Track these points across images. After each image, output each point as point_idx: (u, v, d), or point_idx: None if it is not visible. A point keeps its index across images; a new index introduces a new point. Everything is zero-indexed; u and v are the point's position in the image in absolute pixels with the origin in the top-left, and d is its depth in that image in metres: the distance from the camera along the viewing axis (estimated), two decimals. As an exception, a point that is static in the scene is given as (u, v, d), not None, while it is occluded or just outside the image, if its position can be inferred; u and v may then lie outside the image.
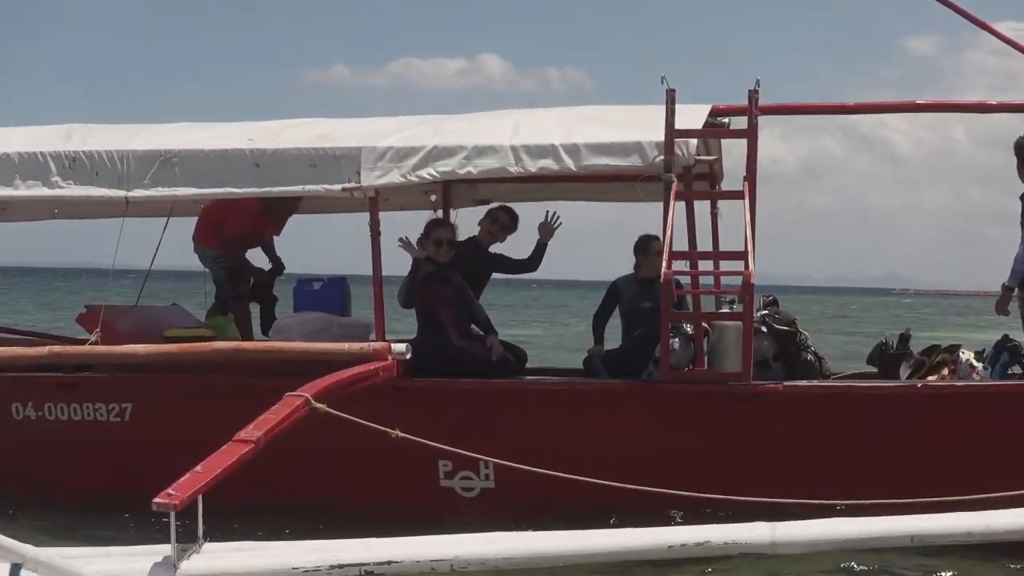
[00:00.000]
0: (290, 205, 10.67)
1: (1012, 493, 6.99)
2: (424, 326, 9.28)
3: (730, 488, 7.33)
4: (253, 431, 6.45)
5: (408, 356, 8.57)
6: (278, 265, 11.21)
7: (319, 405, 7.05)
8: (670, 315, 8.42)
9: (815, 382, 8.93)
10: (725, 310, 9.47)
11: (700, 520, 6.40)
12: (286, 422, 6.77)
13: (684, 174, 8.81)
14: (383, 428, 7.11)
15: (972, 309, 72.10)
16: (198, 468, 5.98)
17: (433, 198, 10.86)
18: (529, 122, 9.14)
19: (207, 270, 10.96)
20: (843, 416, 8.33)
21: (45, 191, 9.51)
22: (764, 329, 9.12)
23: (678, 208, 8.49)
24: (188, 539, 5.76)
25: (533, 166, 8.73)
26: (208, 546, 5.83)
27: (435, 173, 8.90)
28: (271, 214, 10.72)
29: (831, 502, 6.91)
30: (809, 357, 9.30)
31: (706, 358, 8.82)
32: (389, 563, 5.66)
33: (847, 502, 6.87)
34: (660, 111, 8.39)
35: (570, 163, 8.66)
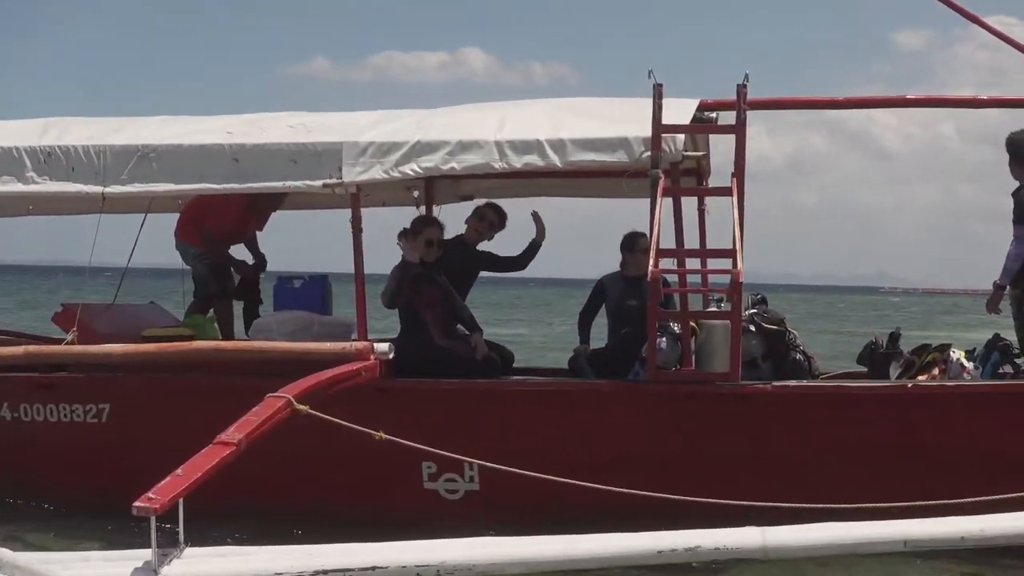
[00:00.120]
0: (274, 201, 10.63)
1: (1006, 496, 7.02)
2: (407, 326, 9.26)
3: (719, 491, 7.33)
4: (234, 433, 6.45)
5: (391, 356, 8.57)
6: (261, 261, 11.18)
7: (301, 407, 7.04)
8: (657, 314, 8.40)
9: (804, 382, 8.92)
10: (713, 309, 9.45)
11: (689, 524, 6.40)
12: (268, 424, 6.76)
13: (671, 170, 8.80)
14: (366, 430, 7.10)
15: (961, 308, 72.36)
16: (178, 471, 5.97)
17: (416, 194, 10.85)
18: (514, 116, 9.09)
19: (186, 268, 10.93)
20: (833, 416, 8.33)
21: (20, 187, 9.47)
22: (752, 328, 9.12)
23: (665, 205, 8.48)
24: (169, 544, 5.75)
25: (518, 162, 8.71)
26: (189, 551, 5.82)
27: (418, 169, 8.86)
28: (254, 210, 10.69)
29: (822, 505, 6.93)
30: (798, 356, 9.30)
31: (693, 358, 8.81)
32: (374, 568, 5.66)
33: (838, 506, 6.88)
34: (647, 105, 8.36)
35: (555, 159, 8.64)
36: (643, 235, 9.18)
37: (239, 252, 11.08)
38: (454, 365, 8.99)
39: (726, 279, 8.35)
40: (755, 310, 9.38)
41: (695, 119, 8.73)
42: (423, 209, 10.83)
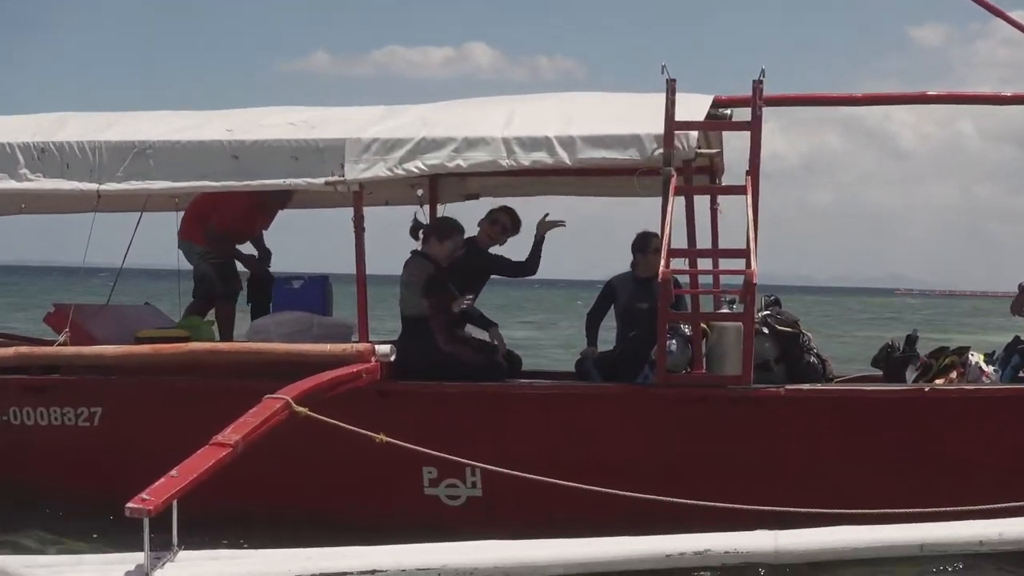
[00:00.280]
0: (282, 199, 10.58)
1: (1024, 503, 7.02)
2: (411, 329, 9.23)
3: (730, 496, 7.33)
4: (231, 435, 6.46)
5: (392, 358, 8.57)
6: (267, 255, 11.12)
7: (300, 408, 7.05)
8: (668, 315, 8.39)
9: (818, 386, 8.91)
10: (725, 310, 9.45)
11: (699, 529, 6.40)
12: (265, 425, 6.77)
13: (684, 168, 8.78)
14: (367, 432, 7.10)
15: (980, 310, 72.26)
16: (173, 472, 5.98)
17: (420, 192, 10.83)
18: (523, 111, 9.07)
19: (184, 268, 10.90)
20: (847, 421, 8.32)
21: (12, 184, 9.46)
22: (765, 330, 9.09)
23: (677, 204, 8.47)
24: (162, 547, 5.76)
25: (526, 159, 8.69)
26: (183, 554, 5.84)
27: (423, 167, 8.85)
28: (261, 208, 10.67)
29: (835, 511, 6.92)
30: (812, 360, 9.27)
31: (704, 360, 8.78)
32: (373, 572, 5.66)
33: (852, 511, 6.88)
34: (660, 101, 8.34)
35: (565, 156, 8.62)
36: (655, 235, 9.13)
37: (244, 250, 11.05)
38: (459, 371, 8.97)
39: (738, 280, 8.34)
40: (768, 312, 9.35)
41: (709, 116, 8.71)
42: (427, 208, 10.82)
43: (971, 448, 8.13)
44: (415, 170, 8.87)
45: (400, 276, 9.32)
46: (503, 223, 10.24)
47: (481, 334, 9.63)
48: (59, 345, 9.47)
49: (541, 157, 8.67)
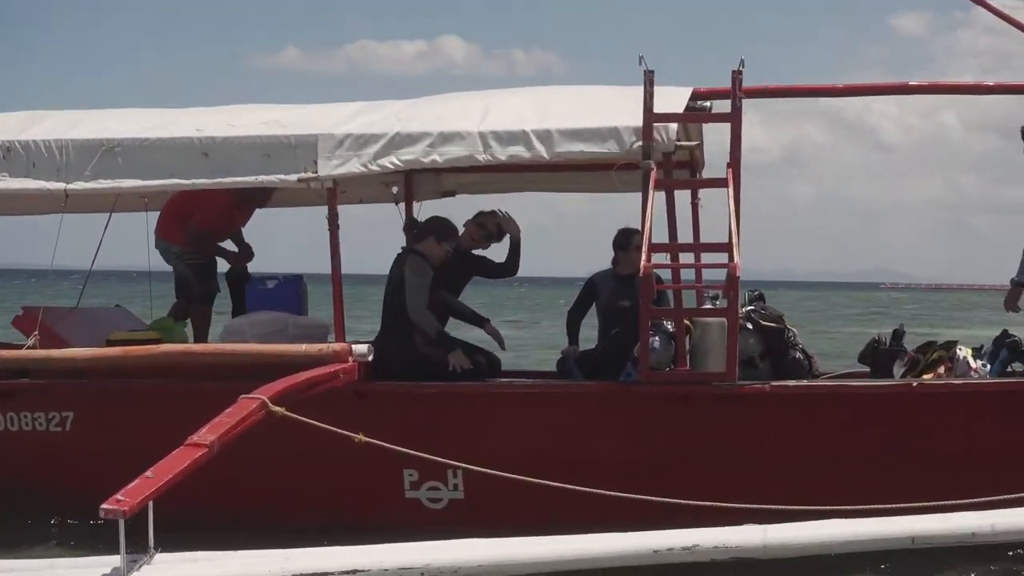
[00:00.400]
0: (262, 196, 10.57)
1: (1014, 496, 7.06)
2: (392, 328, 9.24)
3: (715, 496, 7.36)
4: (207, 435, 6.47)
5: (370, 358, 8.58)
6: (247, 252, 11.10)
7: (276, 408, 7.06)
8: (650, 312, 8.42)
9: (804, 382, 8.94)
10: (708, 306, 9.46)
11: (682, 527, 6.42)
12: (241, 426, 6.77)
13: (664, 161, 8.81)
14: (346, 433, 7.10)
15: (967, 304, 72.54)
16: (148, 473, 5.99)
17: (395, 190, 10.84)
18: (499, 105, 9.09)
19: (155, 270, 10.89)
20: (834, 417, 8.36)
21: (-24, 185, 9.44)
22: (750, 326, 9.12)
23: (657, 199, 8.49)
24: (138, 549, 5.76)
25: (503, 154, 8.71)
26: (159, 556, 5.84)
27: (398, 162, 8.86)
28: (241, 205, 10.67)
29: (822, 508, 6.95)
30: (797, 355, 9.30)
31: (688, 357, 8.81)
32: (354, 572, 5.66)
33: (840, 508, 6.91)
34: (638, 94, 8.37)
35: (542, 150, 8.63)
36: (637, 232, 9.12)
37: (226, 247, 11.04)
38: (437, 368, 8.99)
39: (721, 275, 8.36)
40: (752, 307, 9.38)
41: (688, 108, 8.76)
42: (403, 207, 10.83)
43: (960, 443, 8.18)
44: (390, 166, 8.88)
45: (390, 273, 9.33)
46: (489, 229, 10.20)
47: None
48: (28, 348, 9.45)
49: (518, 151, 8.68)
